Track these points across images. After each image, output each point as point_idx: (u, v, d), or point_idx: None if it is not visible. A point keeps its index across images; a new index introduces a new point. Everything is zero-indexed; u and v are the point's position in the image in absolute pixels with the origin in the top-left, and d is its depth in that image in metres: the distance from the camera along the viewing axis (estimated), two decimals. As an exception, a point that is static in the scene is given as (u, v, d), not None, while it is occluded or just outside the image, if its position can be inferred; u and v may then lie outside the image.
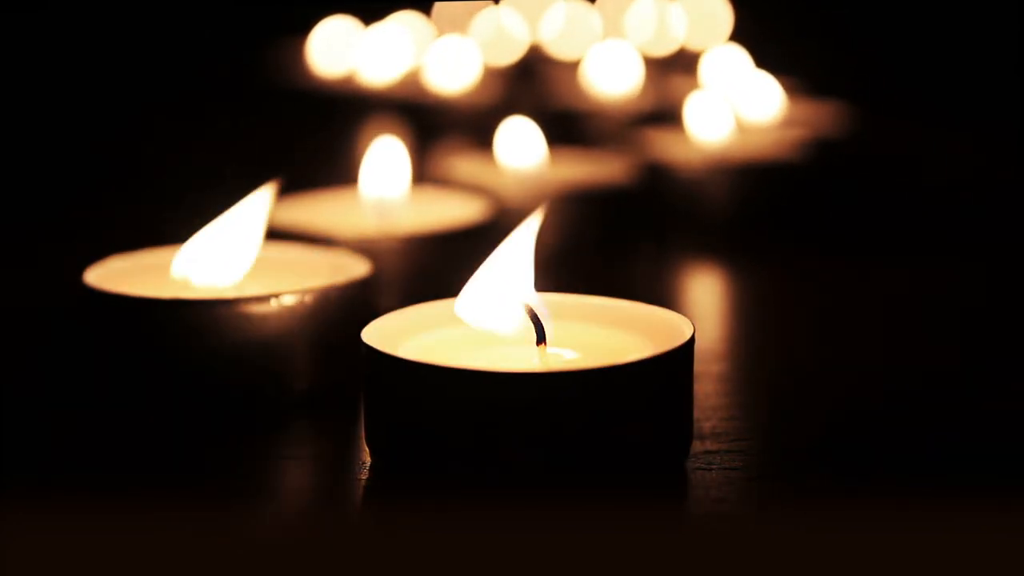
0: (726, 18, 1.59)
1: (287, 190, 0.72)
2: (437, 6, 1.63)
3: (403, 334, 0.49)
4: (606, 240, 0.79)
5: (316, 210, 0.70)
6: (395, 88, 1.36)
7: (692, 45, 1.54)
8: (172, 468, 0.47)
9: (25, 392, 0.55)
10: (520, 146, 0.82)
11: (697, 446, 0.48)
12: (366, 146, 0.71)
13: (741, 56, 1.18)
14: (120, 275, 0.55)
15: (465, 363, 0.44)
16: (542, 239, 0.49)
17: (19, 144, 1.19)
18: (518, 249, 0.48)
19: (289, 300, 0.52)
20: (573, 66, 1.37)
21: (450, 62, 1.33)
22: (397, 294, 0.63)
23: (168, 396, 0.52)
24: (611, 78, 1.24)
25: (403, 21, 1.53)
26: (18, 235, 0.86)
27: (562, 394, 0.43)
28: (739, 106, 0.97)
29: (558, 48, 1.52)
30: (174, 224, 0.60)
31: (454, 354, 0.48)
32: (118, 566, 0.39)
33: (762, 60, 1.17)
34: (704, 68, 1.17)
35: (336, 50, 1.48)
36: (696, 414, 0.50)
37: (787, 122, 0.98)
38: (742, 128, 0.92)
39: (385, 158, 0.70)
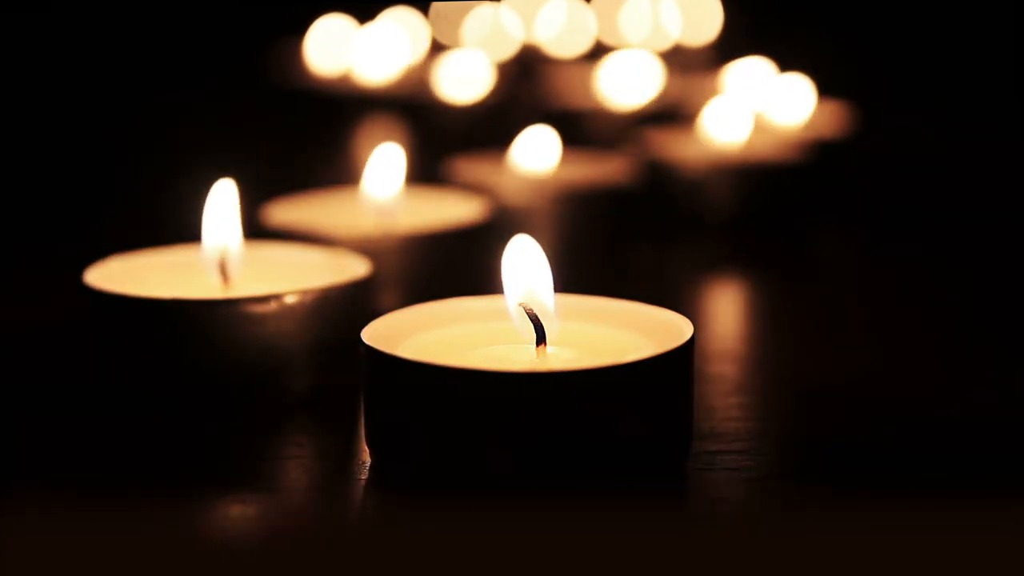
0: (717, 14, 1.59)
1: (287, 190, 0.73)
2: (434, 6, 1.63)
3: (403, 334, 0.49)
4: (607, 240, 0.79)
5: (316, 210, 0.70)
6: (392, 86, 1.36)
7: (686, 41, 1.54)
8: (172, 468, 0.47)
9: (25, 392, 0.55)
10: (537, 152, 0.82)
11: (697, 446, 0.48)
12: (365, 148, 0.71)
13: (766, 67, 1.18)
14: (120, 275, 0.55)
15: (465, 363, 0.44)
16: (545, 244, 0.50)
17: (19, 145, 1.19)
18: (530, 258, 0.49)
19: (289, 300, 0.52)
20: (569, 65, 1.37)
21: (443, 59, 1.33)
22: (397, 294, 0.63)
23: (168, 396, 0.52)
24: (613, 78, 1.24)
25: (397, 19, 1.53)
26: (19, 235, 0.86)
27: (562, 394, 0.43)
28: (762, 109, 0.97)
29: (554, 47, 1.52)
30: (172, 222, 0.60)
31: (454, 354, 0.48)
32: (118, 566, 0.39)
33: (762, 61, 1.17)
34: (730, 80, 1.17)
35: (332, 49, 1.48)
36: (696, 414, 0.50)
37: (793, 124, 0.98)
38: (759, 130, 0.92)
39: (386, 162, 0.70)
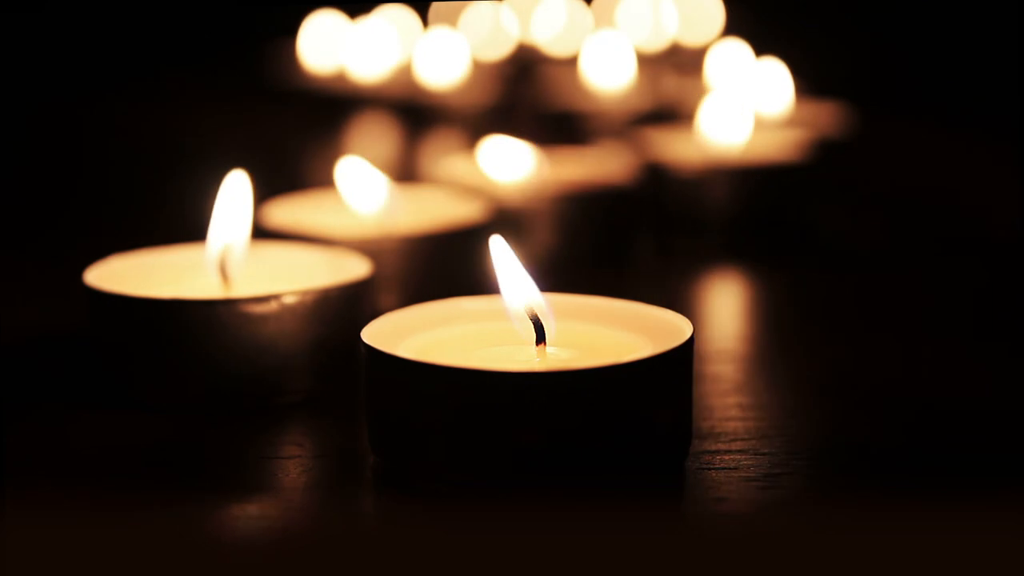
0: (718, 14, 1.59)
1: (286, 190, 0.73)
2: (434, 4, 1.63)
3: (403, 334, 0.49)
4: (605, 240, 0.79)
5: (316, 210, 0.70)
6: (386, 84, 1.36)
7: (685, 41, 1.54)
8: (172, 468, 0.47)
9: (25, 392, 0.55)
10: (505, 161, 0.81)
11: (697, 446, 0.48)
12: (357, 144, 0.71)
13: (745, 53, 1.18)
14: (120, 275, 0.56)
15: (465, 363, 0.44)
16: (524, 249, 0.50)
17: (19, 144, 1.19)
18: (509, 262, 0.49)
19: (289, 300, 0.52)
20: (566, 63, 1.37)
21: (441, 57, 1.33)
22: (397, 294, 0.63)
23: (168, 396, 0.52)
24: (607, 74, 1.24)
25: (389, 16, 1.53)
26: (18, 235, 0.86)
27: (562, 394, 0.43)
28: (751, 104, 0.97)
29: (551, 46, 1.52)
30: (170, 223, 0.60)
31: (454, 354, 0.48)
32: (118, 565, 0.39)
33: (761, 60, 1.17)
34: (710, 66, 1.17)
35: (325, 46, 1.48)
36: (696, 414, 0.50)
37: (788, 122, 0.98)
38: (757, 128, 0.91)
39: (356, 174, 0.70)
